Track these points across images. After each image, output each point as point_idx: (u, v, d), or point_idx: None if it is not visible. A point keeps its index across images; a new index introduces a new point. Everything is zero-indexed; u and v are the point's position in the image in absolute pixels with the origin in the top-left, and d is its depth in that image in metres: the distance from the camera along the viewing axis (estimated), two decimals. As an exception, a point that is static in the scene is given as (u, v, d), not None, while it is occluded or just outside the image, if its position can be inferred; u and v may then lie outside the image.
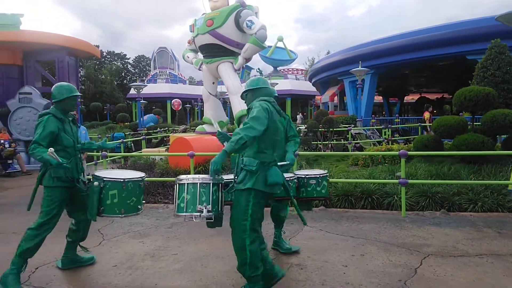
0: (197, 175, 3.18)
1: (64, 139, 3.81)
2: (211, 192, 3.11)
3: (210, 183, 3.11)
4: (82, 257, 4.20)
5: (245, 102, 3.53)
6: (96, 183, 3.57)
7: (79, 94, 3.94)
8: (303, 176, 3.98)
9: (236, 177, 3.20)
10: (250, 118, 3.05)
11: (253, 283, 3.13)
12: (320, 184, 3.97)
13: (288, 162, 3.39)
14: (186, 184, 3.13)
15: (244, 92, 3.58)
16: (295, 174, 4.04)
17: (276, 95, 3.79)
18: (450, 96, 28.24)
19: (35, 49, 14.15)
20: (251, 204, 3.08)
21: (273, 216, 4.36)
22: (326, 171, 4.14)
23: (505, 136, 8.64)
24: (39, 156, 3.61)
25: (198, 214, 3.05)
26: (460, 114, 11.27)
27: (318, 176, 3.98)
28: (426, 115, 14.66)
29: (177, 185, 3.19)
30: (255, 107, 3.14)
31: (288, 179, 3.73)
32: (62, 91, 3.80)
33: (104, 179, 3.56)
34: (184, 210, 3.10)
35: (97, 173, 3.71)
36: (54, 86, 3.89)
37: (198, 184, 3.11)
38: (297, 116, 30.32)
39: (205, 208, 3.04)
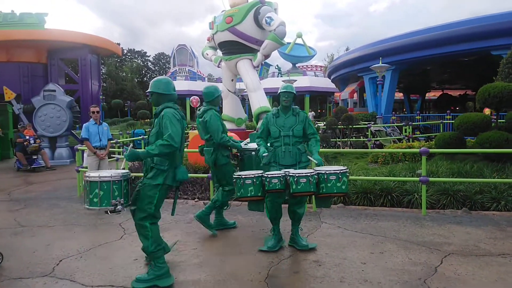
0: (107, 172, 3.63)
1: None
2: (123, 187, 3.57)
3: (121, 179, 3.55)
4: (227, 221, 5.33)
5: (150, 99, 3.89)
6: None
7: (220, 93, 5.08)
8: (323, 172, 3.99)
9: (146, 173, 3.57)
10: (168, 136, 3.35)
11: (156, 258, 3.54)
12: (341, 180, 3.97)
13: (316, 162, 4.34)
14: (99, 182, 3.50)
15: (151, 92, 3.66)
16: (315, 170, 4.06)
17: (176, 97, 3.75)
18: (474, 93, 27.57)
19: (59, 47, 14.48)
20: (157, 196, 3.50)
21: (290, 212, 4.43)
22: (346, 167, 4.11)
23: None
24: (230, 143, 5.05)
25: (113, 207, 3.52)
26: (486, 109, 10.99)
27: (338, 172, 3.99)
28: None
29: (88, 182, 3.56)
30: (168, 119, 3.43)
31: (308, 175, 3.89)
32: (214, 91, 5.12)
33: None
34: (98, 204, 3.54)
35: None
36: (205, 87, 5.25)
37: (111, 181, 3.51)
38: (309, 113, 30.05)
39: (119, 202, 3.52)
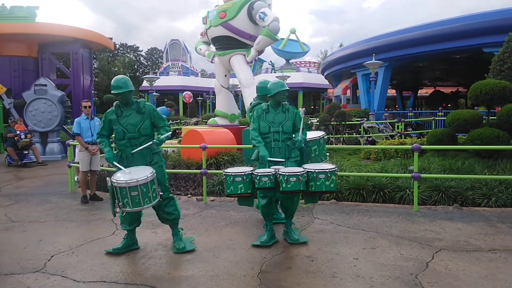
0: (136, 174, 3.94)
1: (262, 128, 4.82)
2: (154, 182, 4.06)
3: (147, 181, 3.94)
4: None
5: (120, 99, 4.14)
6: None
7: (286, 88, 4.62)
8: (313, 171, 4.08)
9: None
10: (167, 124, 4.45)
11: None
12: (329, 178, 4.06)
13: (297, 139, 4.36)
14: (138, 186, 3.86)
15: (128, 91, 4.10)
16: (304, 168, 4.14)
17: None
18: (465, 90, 27.79)
19: (50, 41, 14.33)
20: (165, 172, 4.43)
21: (283, 208, 4.52)
22: (335, 166, 4.18)
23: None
24: None
25: (155, 202, 4.07)
26: (476, 108, 11.09)
27: (327, 170, 4.07)
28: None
29: (126, 187, 3.85)
30: (157, 111, 4.38)
31: (298, 173, 3.96)
32: (274, 86, 4.74)
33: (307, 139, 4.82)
34: (141, 204, 3.93)
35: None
36: (259, 81, 5.35)
37: (148, 182, 3.93)
38: (300, 110, 30.07)
39: (158, 194, 4.12)
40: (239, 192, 4.15)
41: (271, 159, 4.39)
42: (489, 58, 10.87)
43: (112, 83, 4.12)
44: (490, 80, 8.55)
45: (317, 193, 4.30)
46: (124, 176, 3.93)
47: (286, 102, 4.57)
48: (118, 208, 3.97)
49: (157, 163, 4.22)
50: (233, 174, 4.14)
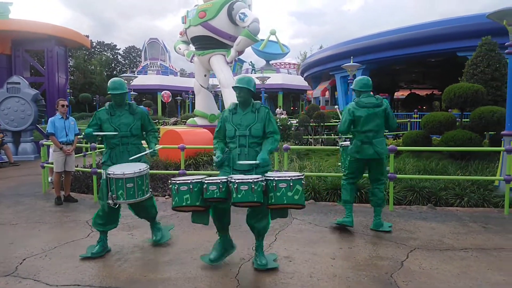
0: (132, 168, 4.02)
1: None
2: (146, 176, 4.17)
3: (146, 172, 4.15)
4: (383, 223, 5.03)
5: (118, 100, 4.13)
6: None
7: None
8: (272, 178, 3.40)
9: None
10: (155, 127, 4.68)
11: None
12: (292, 189, 3.35)
13: (257, 162, 3.63)
14: (135, 178, 3.94)
15: (124, 92, 4.28)
16: (264, 176, 3.49)
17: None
18: (440, 93, 28.47)
19: (24, 38, 13.94)
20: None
21: (248, 225, 3.81)
22: (301, 174, 3.47)
23: (493, 132, 8.76)
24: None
25: (147, 195, 4.16)
26: (449, 110, 11.39)
27: (289, 178, 3.36)
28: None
29: (123, 178, 3.89)
30: (146, 115, 4.55)
31: (250, 181, 3.33)
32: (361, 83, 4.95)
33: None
34: (135, 196, 3.98)
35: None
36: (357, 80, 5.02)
37: (144, 175, 4.06)
38: (277, 110, 30.14)
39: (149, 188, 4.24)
40: (184, 204, 3.48)
41: (244, 162, 3.65)
42: (463, 62, 11.16)
43: (109, 85, 4.29)
44: (463, 84, 8.80)
45: (285, 207, 3.51)
46: (121, 168, 4.02)
47: (258, 101, 3.94)
48: (111, 200, 3.94)
49: (144, 163, 4.35)
50: (178, 182, 3.51)
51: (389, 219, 5.45)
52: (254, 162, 3.62)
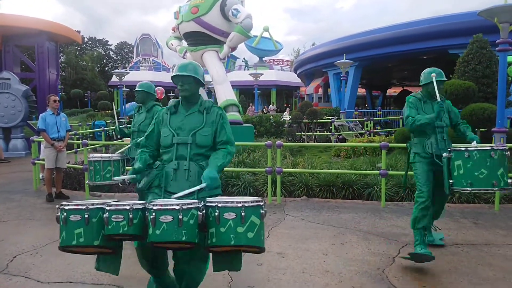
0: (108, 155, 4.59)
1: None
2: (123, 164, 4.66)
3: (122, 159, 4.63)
4: (432, 233, 4.33)
5: (183, 89, 2.73)
6: (445, 154, 3.69)
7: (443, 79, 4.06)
8: (214, 205, 2.23)
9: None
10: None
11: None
12: (244, 221, 2.18)
13: (202, 185, 2.48)
14: (111, 161, 4.50)
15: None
16: (204, 200, 2.33)
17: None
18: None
19: (14, 33, 13.77)
20: None
21: (176, 272, 2.71)
22: (259, 199, 2.30)
23: (484, 129, 8.84)
24: (419, 122, 3.85)
25: (122, 179, 3.02)
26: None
27: (239, 205, 2.20)
28: None
29: (101, 161, 4.48)
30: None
31: (178, 207, 2.18)
32: (428, 76, 4.00)
33: (450, 149, 3.71)
34: (111, 178, 4.32)
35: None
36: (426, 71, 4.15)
37: (121, 160, 4.63)
38: (270, 106, 30.14)
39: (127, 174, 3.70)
40: (75, 243, 2.29)
41: (182, 193, 2.45)
42: (454, 59, 11.25)
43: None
44: (455, 81, 8.87)
45: (235, 252, 2.43)
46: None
47: (208, 100, 2.88)
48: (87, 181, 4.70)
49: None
50: (66, 208, 2.32)
51: (381, 215, 5.49)
52: (196, 188, 2.47)
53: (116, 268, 2.64)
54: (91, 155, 4.78)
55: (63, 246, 2.35)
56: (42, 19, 14.19)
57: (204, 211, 2.26)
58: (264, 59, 39.98)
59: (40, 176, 7.78)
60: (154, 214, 2.18)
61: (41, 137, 6.86)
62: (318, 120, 14.69)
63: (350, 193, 6.44)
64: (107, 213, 2.25)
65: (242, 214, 2.18)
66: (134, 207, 2.26)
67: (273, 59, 43.82)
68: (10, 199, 6.69)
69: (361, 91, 32.93)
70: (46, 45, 14.29)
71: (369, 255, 4.01)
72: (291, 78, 37.74)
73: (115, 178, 2.91)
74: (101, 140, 13.03)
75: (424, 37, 16.80)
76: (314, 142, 13.92)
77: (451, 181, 3.60)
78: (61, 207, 2.35)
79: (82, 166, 7.03)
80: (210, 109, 2.78)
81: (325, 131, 15.39)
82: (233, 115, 9.67)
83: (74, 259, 3.94)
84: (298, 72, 30.77)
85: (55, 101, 6.64)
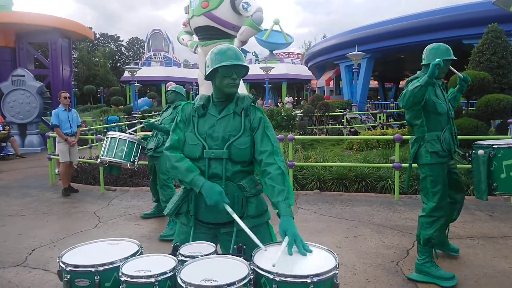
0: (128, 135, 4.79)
1: (438, 105, 3.23)
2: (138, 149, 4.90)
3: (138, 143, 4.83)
4: (450, 244, 3.72)
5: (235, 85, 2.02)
6: (481, 151, 2.97)
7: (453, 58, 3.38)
8: (270, 277, 1.47)
9: None
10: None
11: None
12: None
13: (285, 243, 1.80)
14: (127, 141, 4.81)
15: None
16: (253, 263, 1.58)
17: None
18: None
19: (28, 31, 13.93)
20: None
21: None
22: (333, 264, 1.63)
23: (499, 120, 8.69)
24: (418, 87, 3.07)
25: (132, 162, 4.83)
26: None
27: (309, 282, 1.44)
28: None
29: (117, 139, 4.86)
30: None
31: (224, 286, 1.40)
32: (440, 53, 3.34)
33: (494, 146, 2.92)
34: (123, 158, 4.75)
35: (481, 142, 3.18)
36: (430, 48, 3.43)
37: (136, 143, 4.88)
38: (286, 99, 29.92)
39: (136, 160, 4.82)
40: None
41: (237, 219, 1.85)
42: (468, 50, 11.05)
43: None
44: (469, 72, 8.72)
45: None
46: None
47: (246, 95, 2.11)
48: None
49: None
50: (69, 270, 1.69)
51: (395, 208, 5.46)
52: (258, 242, 1.77)
53: None
54: (110, 132, 4.98)
55: None
56: (54, 16, 14.32)
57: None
58: (274, 52, 39.83)
59: (56, 171, 7.91)
60: None
61: (55, 133, 6.98)
62: (330, 113, 14.61)
63: (363, 186, 6.41)
64: (124, 285, 1.54)
65: (311, 285, 1.43)
66: (160, 277, 1.53)
67: (284, 52, 43.62)
68: (27, 194, 6.82)
69: (373, 83, 32.63)
70: (59, 42, 14.43)
71: (383, 248, 4.00)
72: (302, 71, 37.54)
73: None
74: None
75: (438, 28, 16.53)
76: (326, 135, 13.86)
77: (494, 184, 2.92)
78: (62, 266, 1.74)
79: (96, 161, 7.13)
80: (248, 110, 2.02)
81: (337, 124, 15.31)
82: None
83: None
84: (309, 65, 30.58)
85: (66, 97, 6.76)
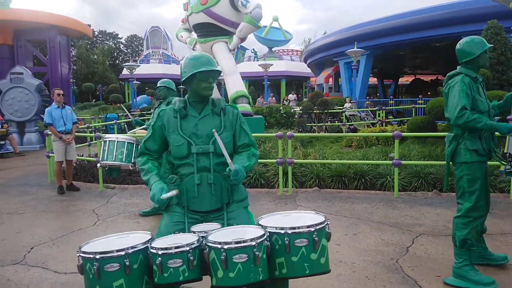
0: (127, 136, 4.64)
1: (480, 103, 3.08)
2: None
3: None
4: (493, 254, 3.48)
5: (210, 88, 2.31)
6: None
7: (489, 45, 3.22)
8: (283, 232, 1.90)
9: None
10: None
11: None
12: (317, 247, 1.91)
13: (236, 168, 2.15)
14: (126, 142, 4.64)
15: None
16: (260, 225, 2.02)
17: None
18: (445, 78, 28.23)
19: (26, 28, 13.89)
20: None
21: None
22: (322, 217, 2.05)
23: (498, 117, 8.68)
24: (482, 124, 2.92)
25: (133, 164, 4.58)
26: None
27: (312, 229, 1.91)
28: None
29: (115, 141, 4.65)
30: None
31: (251, 243, 1.82)
32: (478, 45, 3.15)
33: None
34: (123, 160, 4.56)
35: None
36: (464, 42, 3.22)
37: (135, 143, 4.71)
38: (290, 95, 29.86)
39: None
40: None
41: (165, 196, 2.13)
42: (468, 46, 11.03)
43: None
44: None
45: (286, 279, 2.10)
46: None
47: (219, 98, 2.44)
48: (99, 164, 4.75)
49: None
50: (97, 256, 1.81)
51: (394, 205, 5.45)
52: (229, 161, 2.15)
53: None
54: (106, 135, 4.88)
55: None
56: (53, 13, 14.28)
57: (268, 242, 1.92)
58: (273, 49, 39.70)
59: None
60: (225, 253, 1.79)
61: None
62: (329, 110, 14.59)
63: (362, 183, 6.40)
64: (160, 258, 1.82)
65: (316, 239, 1.90)
66: (191, 244, 1.87)
67: (283, 50, 43.44)
68: (26, 192, 6.81)
69: (372, 80, 32.59)
70: (58, 39, 14.39)
71: (383, 245, 4.00)
72: (301, 68, 37.44)
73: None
74: (114, 133, 13.16)
75: (437, 24, 16.48)
76: (325, 132, 13.85)
77: None
78: (88, 256, 1.81)
79: (95, 158, 7.11)
80: (225, 109, 2.36)
81: (336, 121, 15.30)
82: (243, 106, 9.66)
83: (89, 250, 4.01)
84: (308, 62, 30.52)
85: (59, 94, 6.68)
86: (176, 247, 1.84)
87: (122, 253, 1.82)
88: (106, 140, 4.70)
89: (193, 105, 2.33)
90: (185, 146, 2.25)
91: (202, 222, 2.25)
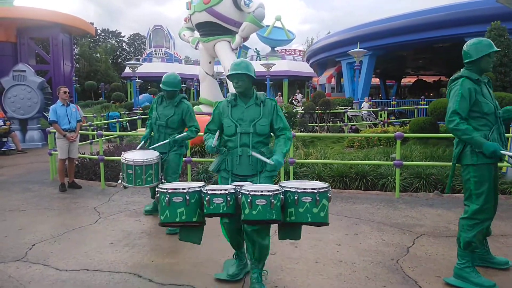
0: (147, 155, 4.43)
1: (484, 105, 3.06)
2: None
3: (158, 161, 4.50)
4: (495, 257, 3.45)
5: (238, 86, 3.11)
6: None
7: (496, 49, 3.18)
8: (294, 190, 2.74)
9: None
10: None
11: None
12: (318, 204, 2.72)
13: (271, 162, 2.99)
14: (152, 164, 4.39)
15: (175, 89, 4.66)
16: (281, 186, 2.83)
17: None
18: (447, 79, 28.17)
19: (29, 26, 13.93)
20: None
21: (249, 242, 3.04)
22: (327, 185, 2.83)
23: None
24: (467, 137, 2.98)
25: (160, 181, 4.53)
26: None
27: (315, 191, 2.72)
28: None
29: (143, 166, 4.33)
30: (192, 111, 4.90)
31: (269, 194, 2.66)
32: (481, 48, 3.11)
33: None
34: (152, 181, 4.42)
35: None
36: (470, 43, 3.17)
37: (158, 163, 4.47)
38: (297, 95, 29.85)
39: (162, 176, 4.70)
40: (178, 220, 2.80)
41: (257, 154, 3.03)
42: (471, 47, 11.01)
43: (163, 79, 4.66)
44: (471, 69, 8.68)
45: (299, 225, 2.94)
46: (128, 154, 4.45)
47: (261, 92, 3.30)
48: (120, 181, 4.43)
49: (175, 151, 4.70)
50: (169, 191, 2.80)
51: (395, 206, 5.45)
52: (267, 160, 2.99)
53: (199, 239, 3.10)
54: (128, 157, 4.34)
55: (165, 222, 2.85)
56: (56, 11, 14.32)
57: (283, 196, 2.76)
58: (276, 49, 39.70)
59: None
60: (250, 197, 2.66)
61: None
62: (331, 111, 14.58)
63: (364, 184, 6.40)
64: (208, 196, 2.74)
65: (317, 198, 2.71)
66: (231, 191, 2.77)
67: (285, 49, 43.43)
68: (28, 189, 6.83)
69: (375, 80, 32.54)
70: (61, 37, 14.43)
71: (383, 245, 4.00)
72: (304, 68, 37.40)
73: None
74: (116, 131, 13.17)
75: (440, 25, 16.44)
76: (327, 132, 13.84)
77: None
78: (162, 190, 2.81)
79: (97, 156, 7.13)
80: (265, 101, 3.19)
81: (338, 122, 15.28)
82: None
83: (91, 247, 4.02)
84: (310, 62, 30.46)
85: (65, 92, 6.70)
86: (219, 190, 2.75)
87: (185, 191, 2.78)
88: (132, 166, 4.27)
89: (241, 99, 3.19)
90: (233, 127, 3.11)
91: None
